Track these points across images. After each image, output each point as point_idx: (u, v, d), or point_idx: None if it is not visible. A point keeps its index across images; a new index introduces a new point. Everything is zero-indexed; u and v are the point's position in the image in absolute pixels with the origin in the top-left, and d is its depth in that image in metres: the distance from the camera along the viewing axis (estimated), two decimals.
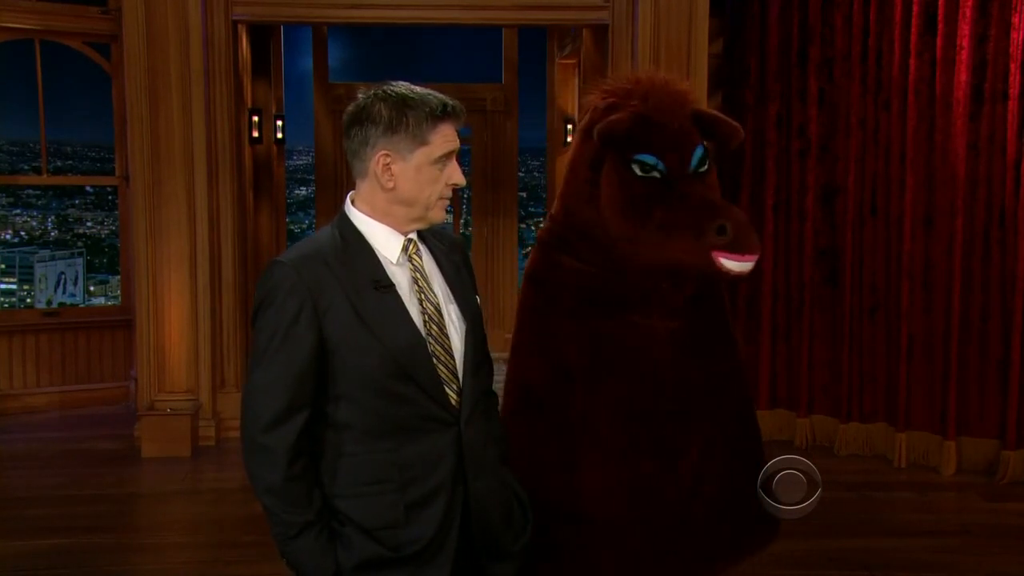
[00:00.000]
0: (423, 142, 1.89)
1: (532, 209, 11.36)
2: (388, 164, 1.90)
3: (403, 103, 1.89)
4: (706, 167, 2.35)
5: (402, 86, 1.92)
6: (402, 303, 1.90)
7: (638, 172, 2.31)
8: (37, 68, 6.54)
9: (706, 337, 2.46)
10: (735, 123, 2.39)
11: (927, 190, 5.21)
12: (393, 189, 1.91)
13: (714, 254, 2.20)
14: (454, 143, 1.93)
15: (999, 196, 5.03)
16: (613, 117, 2.35)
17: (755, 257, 2.22)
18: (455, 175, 1.95)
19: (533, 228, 10.40)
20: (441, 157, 1.92)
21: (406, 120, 1.88)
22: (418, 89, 1.92)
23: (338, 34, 8.88)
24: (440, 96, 1.92)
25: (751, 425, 2.58)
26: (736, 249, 2.19)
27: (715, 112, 2.43)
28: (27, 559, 4.04)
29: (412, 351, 1.89)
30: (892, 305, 5.36)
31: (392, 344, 1.87)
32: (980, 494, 4.87)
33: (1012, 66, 4.91)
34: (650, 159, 2.30)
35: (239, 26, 6.01)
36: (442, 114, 1.89)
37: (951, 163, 5.09)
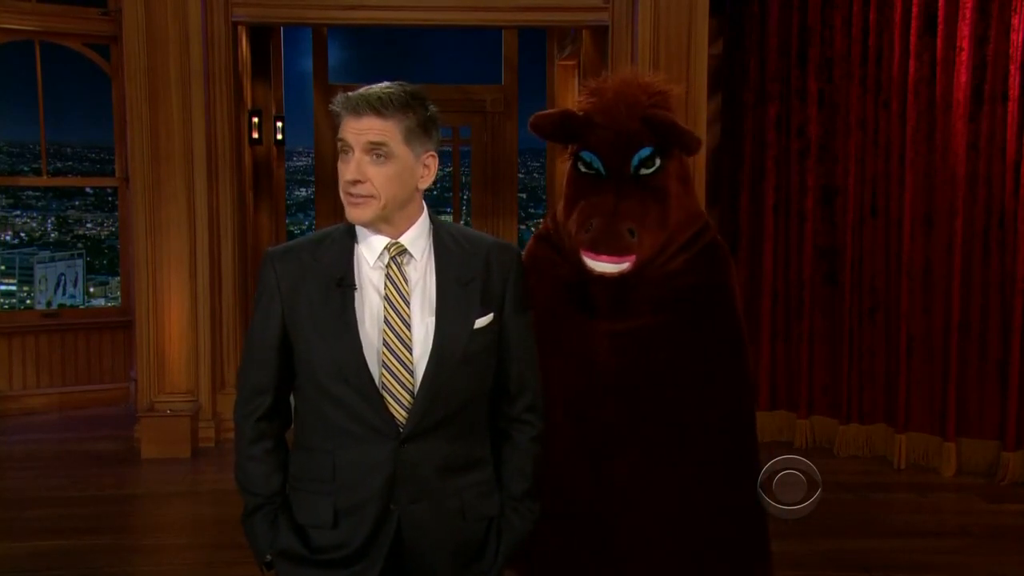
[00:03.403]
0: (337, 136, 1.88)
1: (532, 210, 11.36)
2: None
3: None
4: (653, 169, 2.37)
5: (365, 87, 1.87)
6: (353, 305, 1.85)
7: (581, 168, 2.39)
8: (37, 69, 6.55)
9: (676, 344, 2.44)
10: (686, 130, 2.41)
11: (927, 190, 5.21)
12: None
13: (580, 250, 2.29)
14: (347, 135, 1.83)
15: (999, 197, 5.03)
16: (543, 112, 2.47)
17: (614, 260, 2.26)
18: (344, 169, 1.84)
19: (533, 229, 10.39)
20: (339, 146, 1.84)
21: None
22: (364, 88, 1.85)
23: (338, 35, 8.88)
24: (363, 91, 1.84)
25: (737, 445, 2.52)
26: (594, 248, 2.27)
27: (667, 118, 2.41)
28: (27, 560, 4.03)
29: (349, 355, 1.83)
30: (892, 305, 5.36)
31: (333, 344, 1.84)
32: (980, 495, 4.86)
33: (1012, 67, 4.91)
34: (587, 156, 2.39)
35: (239, 27, 6.01)
36: (339, 108, 1.84)
37: (951, 164, 5.09)
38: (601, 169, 2.37)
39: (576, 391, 2.41)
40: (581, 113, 2.45)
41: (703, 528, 2.46)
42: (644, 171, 2.37)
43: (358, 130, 1.82)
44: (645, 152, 2.37)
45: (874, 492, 4.94)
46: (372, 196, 1.83)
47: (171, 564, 4.06)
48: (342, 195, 1.86)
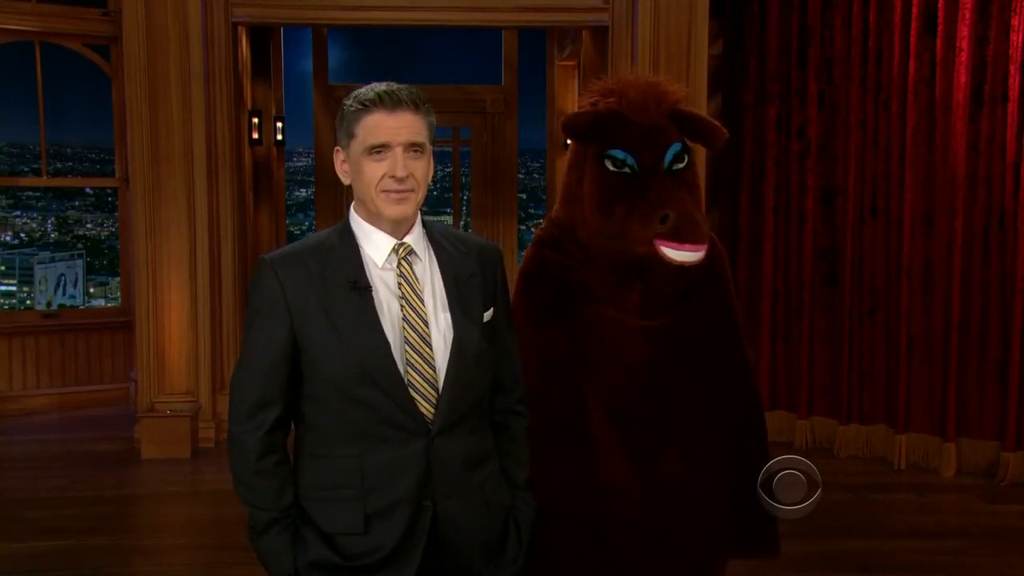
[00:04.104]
0: (351, 134, 1.86)
1: (532, 211, 11.36)
2: (341, 161, 1.92)
3: (349, 98, 1.88)
4: (684, 164, 2.37)
5: (374, 84, 1.87)
6: (374, 307, 1.85)
7: (610, 167, 2.36)
8: (37, 70, 6.55)
9: (697, 338, 2.45)
10: (717, 124, 2.40)
11: (927, 191, 5.21)
12: (350, 185, 1.92)
13: (656, 242, 2.24)
14: (383, 136, 1.83)
15: (999, 197, 5.03)
16: (578, 111, 2.42)
17: (697, 248, 2.24)
18: (382, 167, 1.84)
19: (533, 230, 10.40)
20: (371, 148, 1.83)
21: (342, 113, 1.89)
22: (378, 85, 1.86)
23: (338, 35, 8.89)
24: (383, 88, 1.85)
25: (751, 430, 2.56)
26: (677, 238, 2.23)
27: (697, 112, 2.42)
28: (27, 560, 4.03)
29: (377, 356, 1.83)
30: (892, 305, 5.36)
31: (356, 347, 1.83)
32: (980, 496, 4.86)
33: (1012, 68, 4.91)
34: (620, 154, 2.34)
35: (239, 27, 6.02)
36: (368, 104, 1.83)
37: (951, 164, 5.09)
38: (635, 166, 2.34)
39: (619, 392, 2.40)
40: (609, 110, 2.41)
41: (709, 524, 2.47)
42: (677, 166, 2.36)
43: (396, 127, 1.83)
44: (677, 147, 2.36)
45: (874, 492, 4.94)
46: (414, 190, 1.87)
47: (171, 564, 4.06)
48: (376, 193, 1.85)
